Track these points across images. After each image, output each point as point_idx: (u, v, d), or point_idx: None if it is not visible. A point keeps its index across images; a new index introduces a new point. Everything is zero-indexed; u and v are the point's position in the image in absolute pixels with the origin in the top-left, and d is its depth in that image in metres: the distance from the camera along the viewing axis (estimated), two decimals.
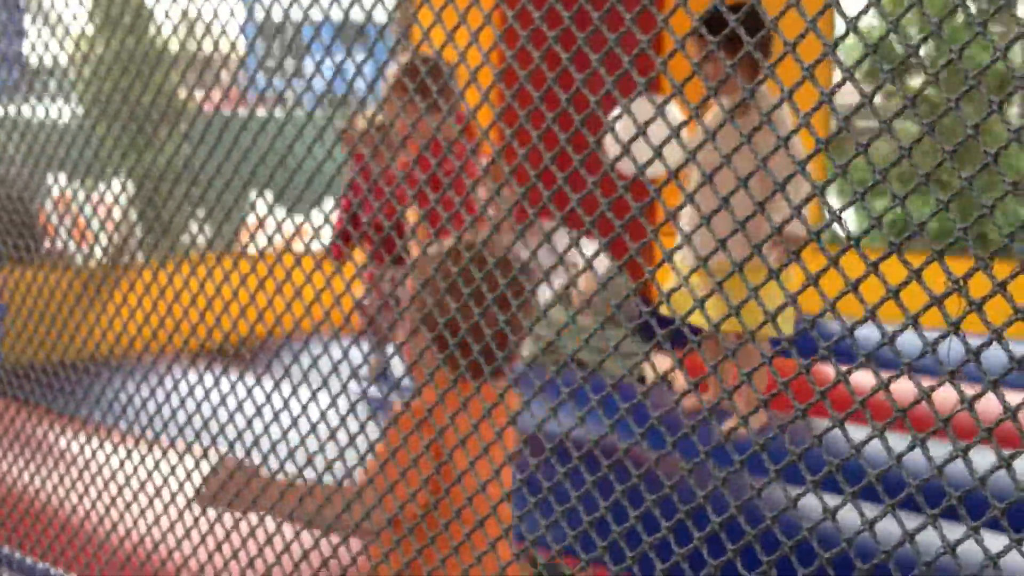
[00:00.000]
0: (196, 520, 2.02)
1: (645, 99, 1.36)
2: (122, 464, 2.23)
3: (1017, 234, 1.02)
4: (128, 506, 2.19)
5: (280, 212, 2.10)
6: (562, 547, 1.44)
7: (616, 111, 1.58)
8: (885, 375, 3.86)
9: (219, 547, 1.97)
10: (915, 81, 9.59)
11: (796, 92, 1.20)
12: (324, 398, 3.75)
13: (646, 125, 1.30)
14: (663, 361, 4.00)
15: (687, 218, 3.51)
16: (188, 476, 2.05)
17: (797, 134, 1.24)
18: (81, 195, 2.43)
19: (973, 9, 1.08)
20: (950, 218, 1.13)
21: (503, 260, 1.57)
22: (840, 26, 6.89)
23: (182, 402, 2.05)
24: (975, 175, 1.10)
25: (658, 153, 1.27)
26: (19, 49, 2.67)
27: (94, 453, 2.31)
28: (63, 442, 2.53)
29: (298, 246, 2.00)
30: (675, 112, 3.40)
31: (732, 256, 1.22)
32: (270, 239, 1.85)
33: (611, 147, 3.35)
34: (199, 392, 3.69)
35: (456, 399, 1.78)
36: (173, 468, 2.08)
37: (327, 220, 1.86)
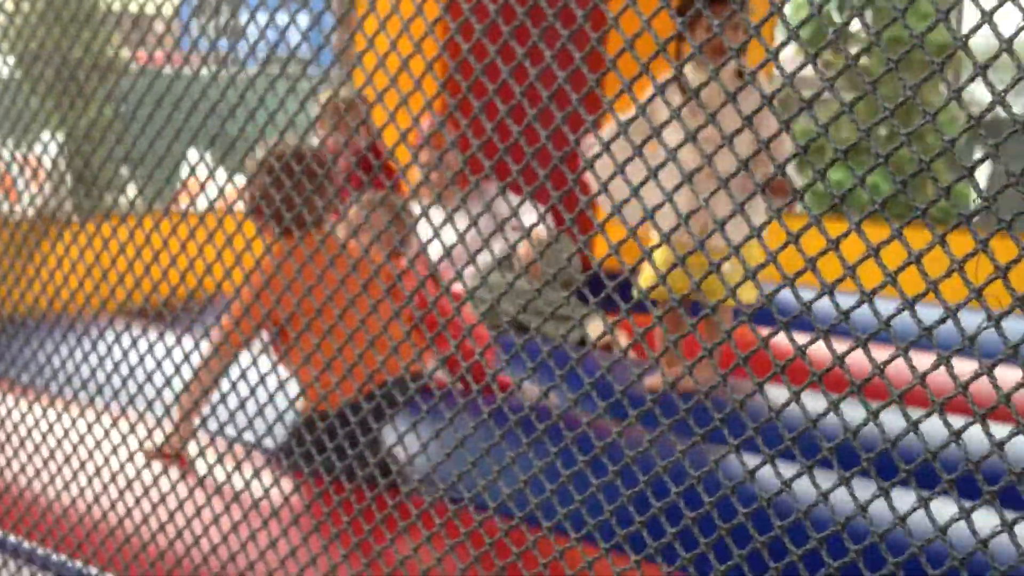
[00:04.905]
0: (138, 477, 1.99)
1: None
2: (51, 427, 2.19)
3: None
4: (75, 472, 2.15)
5: (219, 172, 2.05)
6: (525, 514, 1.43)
7: (603, 133, 1.51)
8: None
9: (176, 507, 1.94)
10: (852, 51, 9.66)
11: (749, 53, 1.19)
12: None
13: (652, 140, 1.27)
14: (600, 325, 3.99)
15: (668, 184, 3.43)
16: (123, 439, 2.01)
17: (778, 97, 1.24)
18: (7, 152, 2.36)
19: None
20: (896, 181, 1.14)
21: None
22: None
23: (116, 365, 2.01)
24: (913, 131, 1.11)
25: (636, 191, 1.25)
26: None
27: (23, 416, 2.27)
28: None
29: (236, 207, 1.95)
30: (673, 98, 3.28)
31: (714, 213, 1.22)
32: (211, 203, 1.82)
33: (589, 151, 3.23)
34: (132, 353, 3.63)
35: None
36: (107, 431, 2.04)
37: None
